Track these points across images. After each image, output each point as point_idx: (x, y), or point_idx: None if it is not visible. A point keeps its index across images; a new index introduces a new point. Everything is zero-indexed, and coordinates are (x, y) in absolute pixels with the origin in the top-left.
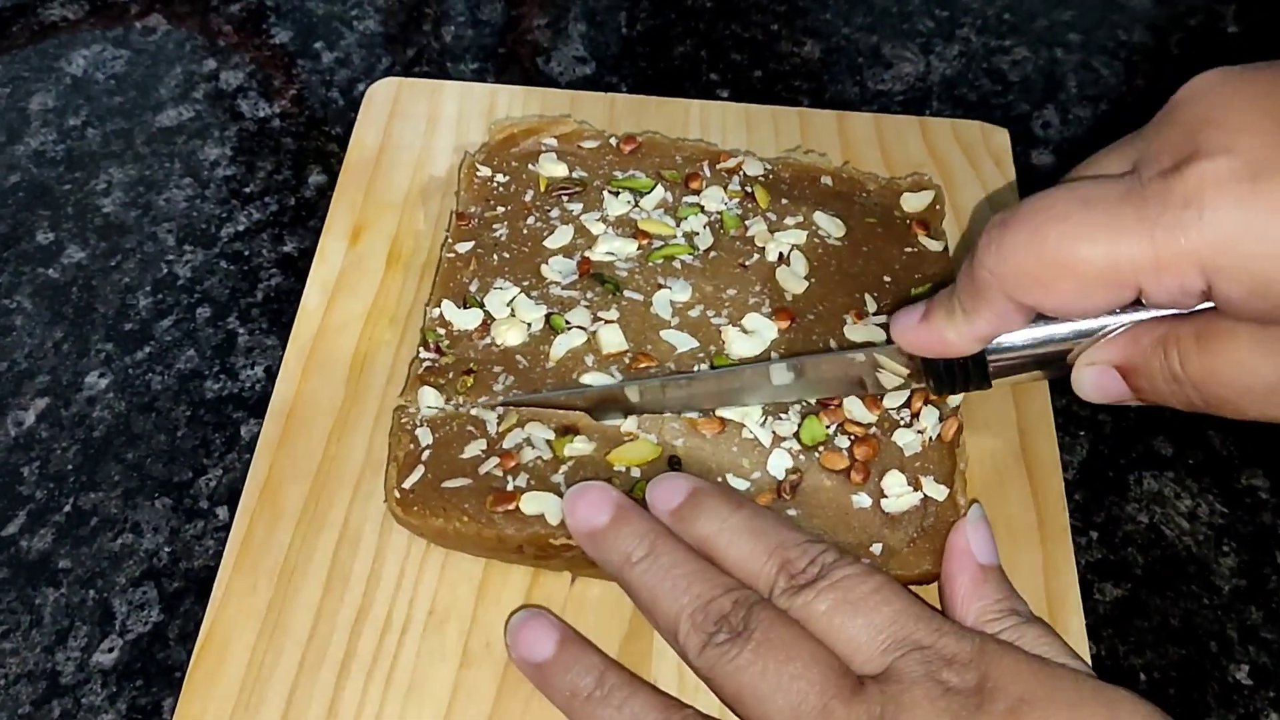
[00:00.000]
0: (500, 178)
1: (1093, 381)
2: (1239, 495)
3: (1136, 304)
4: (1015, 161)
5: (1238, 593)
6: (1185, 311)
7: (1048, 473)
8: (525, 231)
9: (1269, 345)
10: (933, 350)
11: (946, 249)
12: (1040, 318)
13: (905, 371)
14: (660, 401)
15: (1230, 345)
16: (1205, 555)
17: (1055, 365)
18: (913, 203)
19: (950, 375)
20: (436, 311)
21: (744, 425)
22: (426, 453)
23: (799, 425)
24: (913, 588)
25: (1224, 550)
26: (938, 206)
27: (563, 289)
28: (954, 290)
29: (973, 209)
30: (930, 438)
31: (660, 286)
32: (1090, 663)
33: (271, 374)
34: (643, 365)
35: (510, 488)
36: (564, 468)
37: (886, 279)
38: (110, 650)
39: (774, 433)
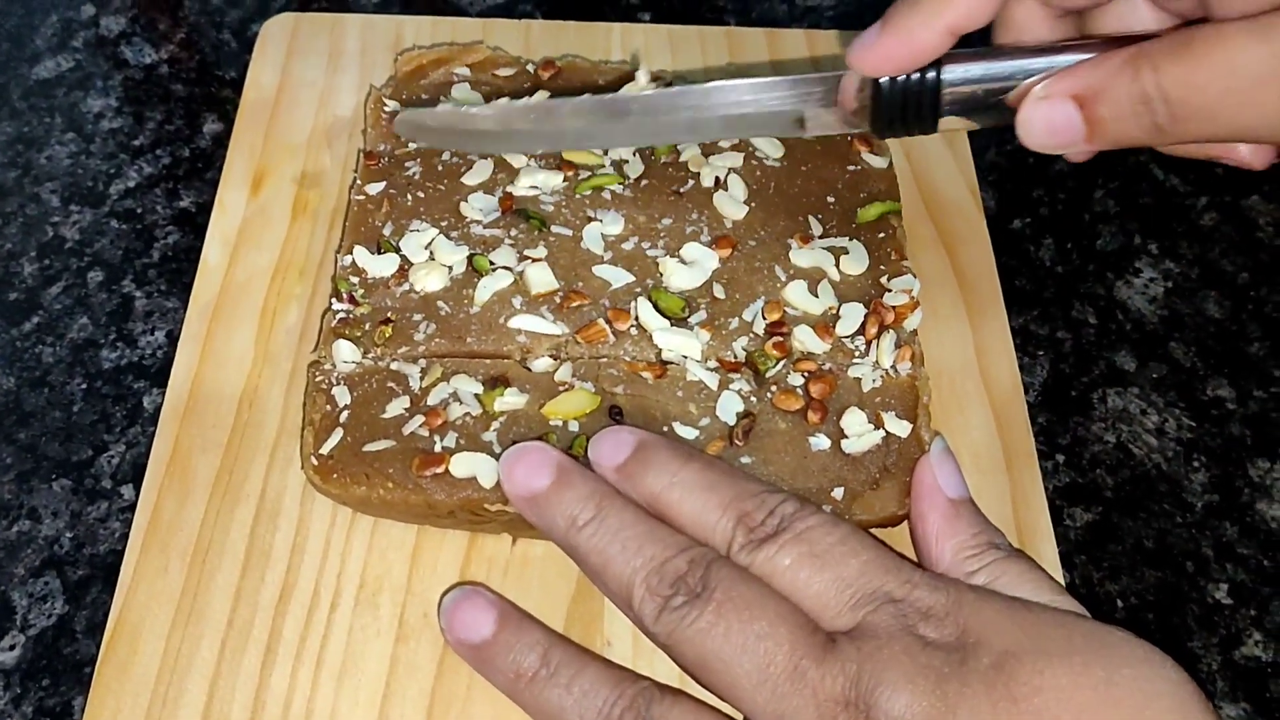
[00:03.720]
0: None
1: (1044, 116)
2: (1205, 407)
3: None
4: None
5: (1211, 509)
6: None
7: (1009, 397)
8: (440, 168)
9: (1260, 31)
10: (900, 58)
11: (891, 164)
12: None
13: (854, 102)
14: (592, 131)
15: (1214, 44)
16: (1175, 472)
17: (1001, 110)
18: None
19: (900, 109)
20: (348, 259)
21: (686, 368)
22: (344, 414)
23: (746, 355)
24: (881, 531)
25: (1194, 465)
26: None
27: (484, 228)
28: None
29: None
30: (888, 369)
31: (590, 220)
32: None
33: (173, 339)
34: (574, 304)
35: (438, 449)
36: (496, 424)
37: (830, 199)
38: (11, 648)
39: (720, 366)
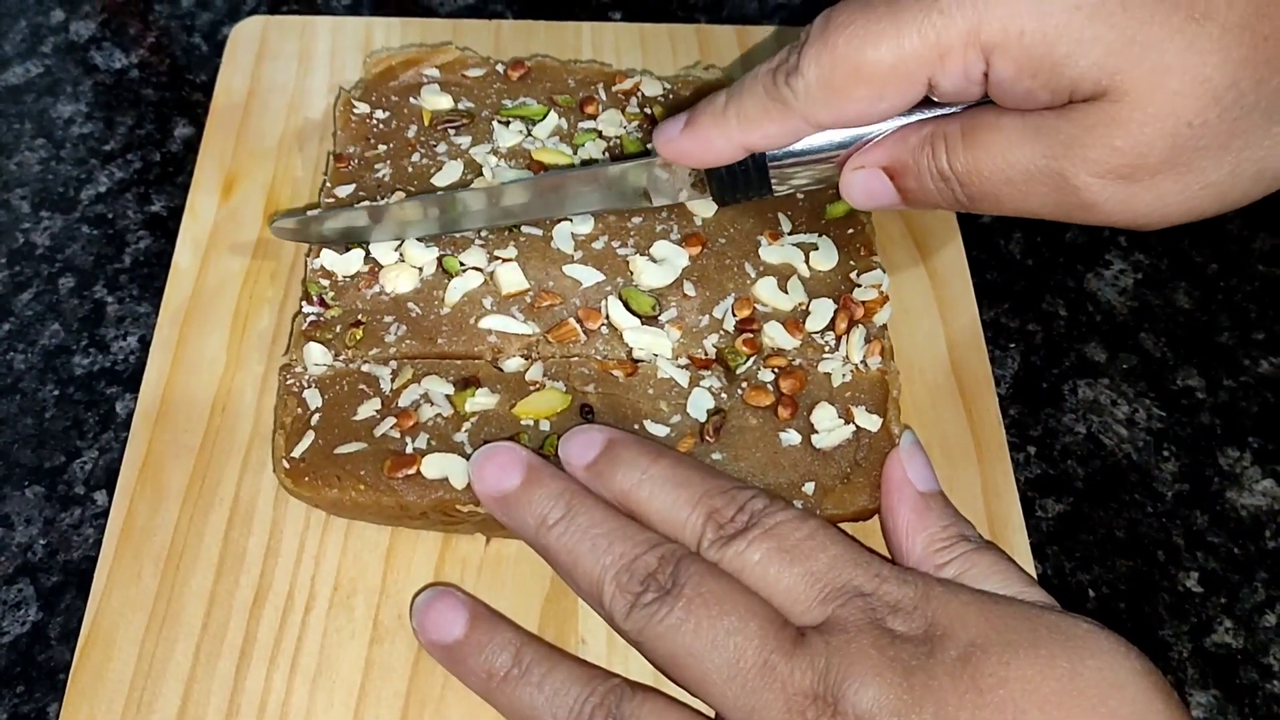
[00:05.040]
0: (380, 114)
1: (861, 184)
2: (1175, 397)
3: (918, 107)
4: None
5: (1181, 498)
6: (951, 112)
7: (981, 389)
8: (410, 170)
9: (1030, 132)
10: (694, 159)
11: None
12: None
13: (689, 179)
14: (462, 217)
15: (994, 136)
16: (1146, 462)
17: (827, 170)
18: None
19: (732, 181)
20: (317, 262)
21: (657, 366)
22: (316, 416)
23: (716, 352)
24: (852, 525)
25: (1164, 455)
26: None
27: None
28: (726, 99)
29: None
30: (858, 364)
31: (560, 221)
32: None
33: (145, 344)
34: (545, 304)
35: (410, 450)
36: (467, 425)
37: (799, 196)
38: None
39: (691, 364)
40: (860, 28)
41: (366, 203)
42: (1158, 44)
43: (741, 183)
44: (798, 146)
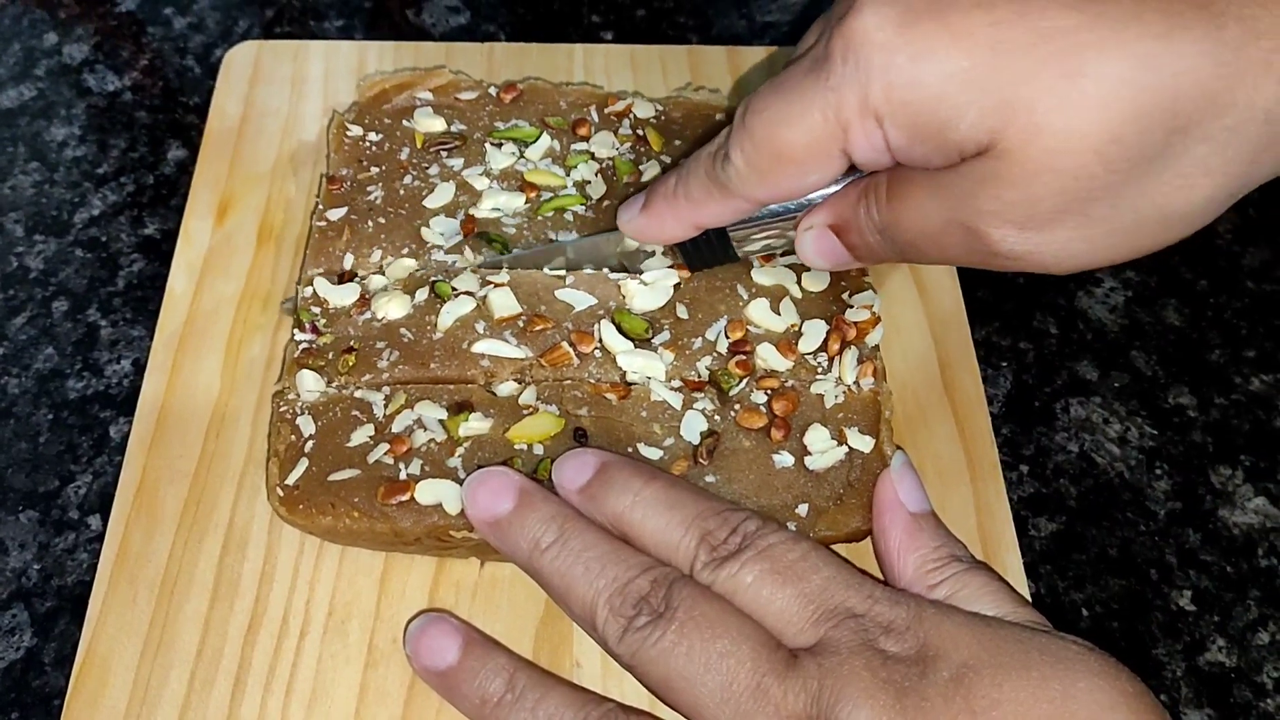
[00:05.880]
0: (373, 136)
1: (812, 244)
2: (1167, 415)
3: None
4: None
5: (1174, 516)
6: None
7: (973, 408)
8: (402, 192)
9: (937, 189)
10: (652, 237)
11: None
12: None
13: (661, 249)
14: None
15: (909, 191)
16: (1138, 480)
17: (787, 236)
18: None
19: (699, 253)
20: (309, 289)
21: (650, 389)
22: (309, 443)
23: (709, 374)
24: (845, 546)
25: (1156, 474)
26: None
27: (445, 252)
28: (675, 182)
29: None
30: (851, 385)
31: (552, 241)
32: (1030, 601)
33: (140, 367)
34: (538, 328)
35: (403, 476)
36: (461, 450)
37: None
38: None
39: (684, 386)
40: (772, 113)
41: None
42: (1029, 104)
43: (706, 253)
44: (752, 214)
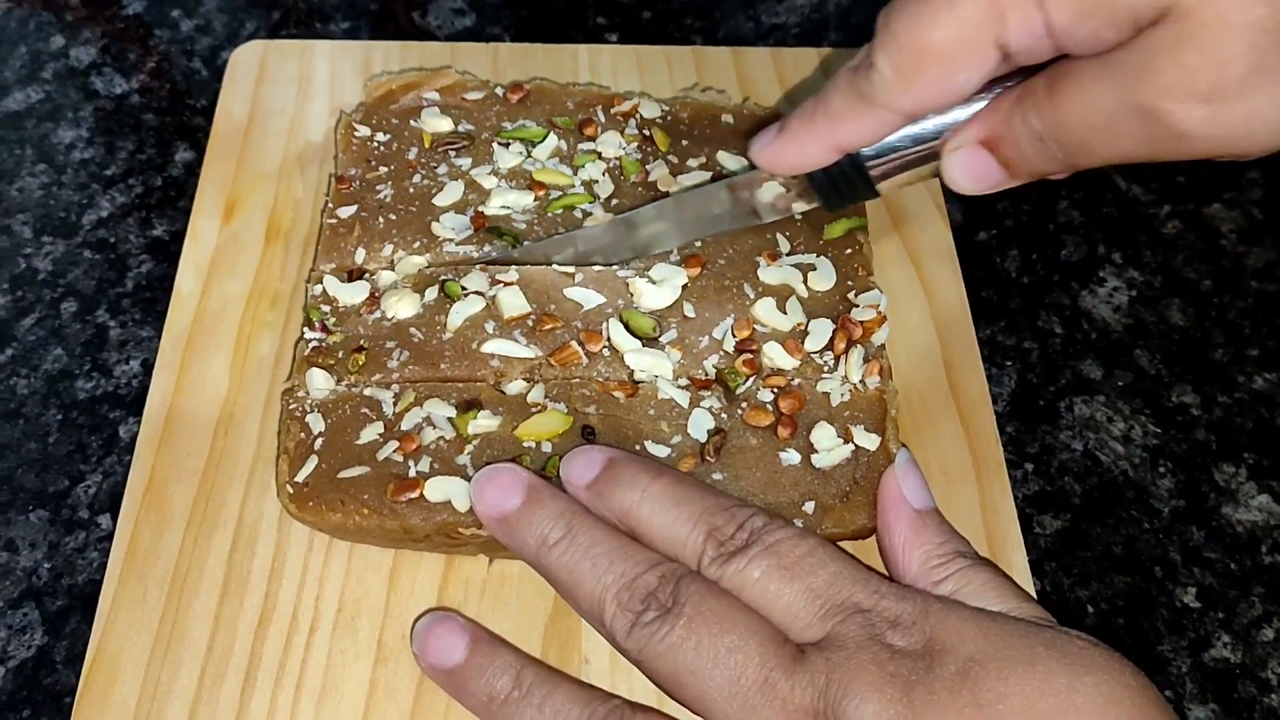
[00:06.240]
0: (381, 136)
1: (962, 165)
2: (1171, 414)
3: (1010, 76)
4: None
5: (1177, 514)
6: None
7: (978, 407)
8: (411, 191)
9: (1108, 72)
10: (788, 163)
11: None
12: None
13: (793, 191)
14: (561, 256)
15: (1073, 83)
16: (1142, 478)
17: (928, 162)
18: None
19: (835, 188)
20: (319, 288)
21: (658, 387)
22: (319, 441)
23: (716, 373)
24: (851, 543)
25: (1160, 471)
26: None
27: (456, 245)
28: (813, 103)
29: None
30: (856, 383)
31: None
32: (1036, 598)
33: (148, 367)
34: (547, 327)
35: (412, 473)
36: (469, 447)
37: (797, 218)
38: None
39: (691, 384)
40: (917, 11)
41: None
42: None
43: (843, 186)
44: (891, 141)
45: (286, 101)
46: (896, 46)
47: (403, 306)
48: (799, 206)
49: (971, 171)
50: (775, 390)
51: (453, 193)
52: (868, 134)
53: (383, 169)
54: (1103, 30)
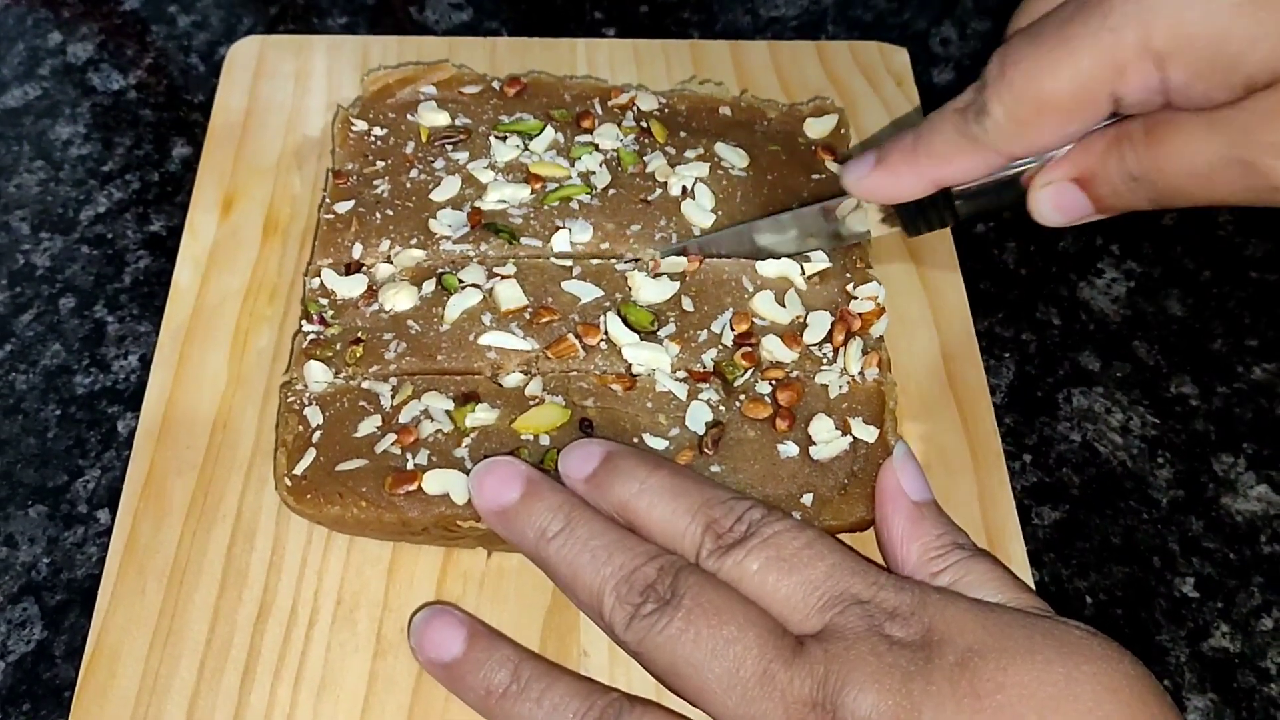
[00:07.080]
0: (378, 131)
1: (1052, 200)
2: (1169, 404)
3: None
4: (915, 81)
5: (1176, 504)
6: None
7: (976, 399)
8: (409, 185)
9: (1213, 127)
10: (885, 195)
11: None
12: None
13: (879, 215)
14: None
15: (1174, 132)
16: (1141, 469)
17: (1013, 192)
18: (816, 128)
19: (922, 215)
20: (317, 281)
21: (656, 379)
22: (317, 433)
23: (715, 365)
24: (849, 535)
25: (1159, 462)
26: (842, 130)
27: (454, 243)
28: (914, 139)
29: (878, 131)
30: (855, 376)
31: (559, 229)
32: (1034, 589)
33: (146, 362)
34: (544, 320)
35: (410, 466)
36: (467, 440)
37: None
38: None
39: (689, 377)
40: (1034, 62)
41: None
42: None
43: (930, 213)
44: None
45: (284, 96)
46: (1013, 95)
47: (400, 299)
48: (879, 231)
49: (1061, 206)
50: (773, 383)
51: (449, 188)
52: (971, 173)
53: (380, 163)
54: (1215, 91)
